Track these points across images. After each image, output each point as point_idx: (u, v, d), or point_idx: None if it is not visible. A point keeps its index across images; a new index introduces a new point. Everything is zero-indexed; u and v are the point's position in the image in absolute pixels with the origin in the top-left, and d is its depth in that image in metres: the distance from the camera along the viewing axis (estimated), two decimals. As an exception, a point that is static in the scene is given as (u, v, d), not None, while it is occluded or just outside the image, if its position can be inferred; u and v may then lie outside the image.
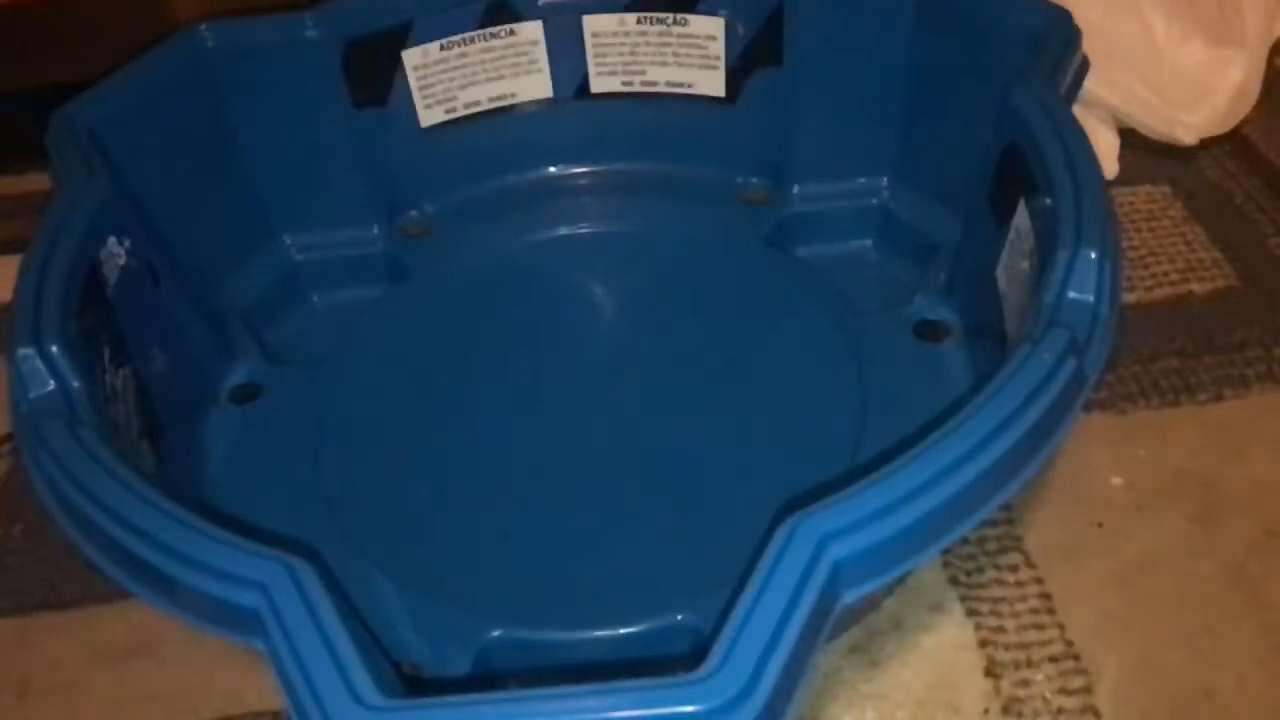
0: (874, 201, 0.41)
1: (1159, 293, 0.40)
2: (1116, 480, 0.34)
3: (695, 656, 0.20)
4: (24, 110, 0.39)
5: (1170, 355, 0.38)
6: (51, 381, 0.27)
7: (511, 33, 0.41)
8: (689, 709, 0.19)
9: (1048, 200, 0.29)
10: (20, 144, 0.44)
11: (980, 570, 0.32)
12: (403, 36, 0.40)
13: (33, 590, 0.33)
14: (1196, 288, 0.40)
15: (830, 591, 0.21)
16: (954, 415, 0.23)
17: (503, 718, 0.19)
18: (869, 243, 0.42)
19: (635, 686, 0.19)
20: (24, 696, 0.31)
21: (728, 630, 0.20)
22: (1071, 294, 0.26)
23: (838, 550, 0.21)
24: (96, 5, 0.46)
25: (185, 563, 0.22)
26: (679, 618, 0.29)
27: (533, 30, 0.41)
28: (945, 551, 0.32)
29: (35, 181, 0.48)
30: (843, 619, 0.23)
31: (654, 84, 0.42)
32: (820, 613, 0.20)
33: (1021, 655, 0.30)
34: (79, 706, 0.31)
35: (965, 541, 0.32)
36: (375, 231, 0.42)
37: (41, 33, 0.47)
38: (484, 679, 0.28)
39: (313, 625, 0.21)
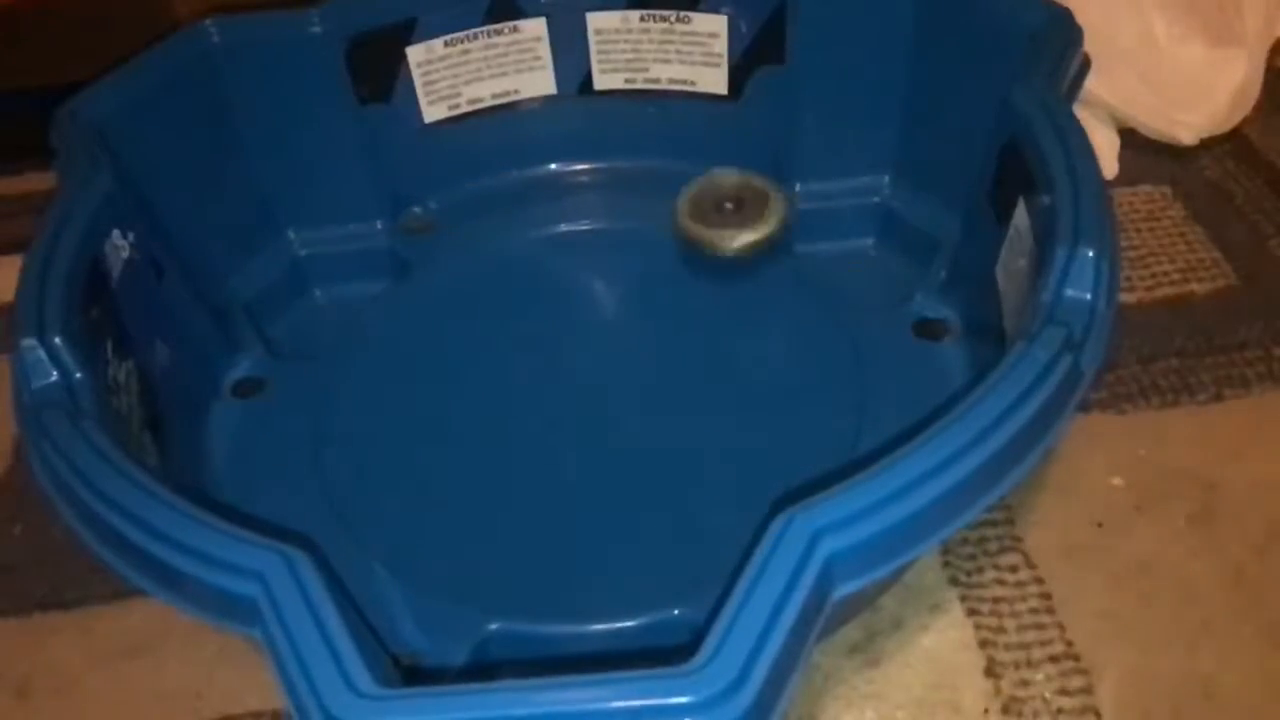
0: (875, 200, 0.41)
1: (1159, 293, 0.40)
2: (1116, 480, 0.34)
3: (690, 650, 0.20)
4: (24, 110, 0.39)
5: (1170, 355, 0.37)
6: (54, 373, 0.27)
7: (515, 29, 0.41)
8: (681, 700, 0.19)
9: (1046, 199, 0.29)
10: (20, 143, 0.44)
11: (980, 570, 0.32)
12: (406, 33, 0.40)
13: (33, 590, 0.33)
14: (1196, 288, 0.40)
15: (823, 585, 0.21)
16: (948, 411, 0.23)
17: (496, 707, 0.19)
18: (870, 241, 0.42)
19: (628, 678, 0.19)
20: (24, 696, 0.31)
21: (720, 623, 0.20)
22: (1069, 291, 0.26)
23: (831, 544, 0.21)
24: (96, 5, 0.46)
25: (183, 552, 0.22)
26: (676, 612, 0.29)
27: (536, 27, 0.41)
28: (941, 548, 0.32)
29: (35, 181, 0.48)
30: (838, 614, 0.23)
31: (657, 81, 0.42)
32: (813, 607, 0.21)
33: (1021, 655, 0.30)
34: (79, 706, 0.31)
35: (965, 541, 0.32)
36: (378, 227, 0.42)
37: (41, 33, 0.47)
38: (481, 670, 0.28)
39: (309, 615, 0.21)
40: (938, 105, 0.39)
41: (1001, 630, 0.30)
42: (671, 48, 0.42)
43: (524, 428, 0.35)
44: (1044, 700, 0.29)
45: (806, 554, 0.21)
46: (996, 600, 0.31)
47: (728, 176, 0.40)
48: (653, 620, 0.29)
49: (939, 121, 0.39)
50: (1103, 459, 0.34)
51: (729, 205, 0.39)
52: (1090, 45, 0.34)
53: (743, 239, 0.38)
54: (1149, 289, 0.40)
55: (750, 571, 0.20)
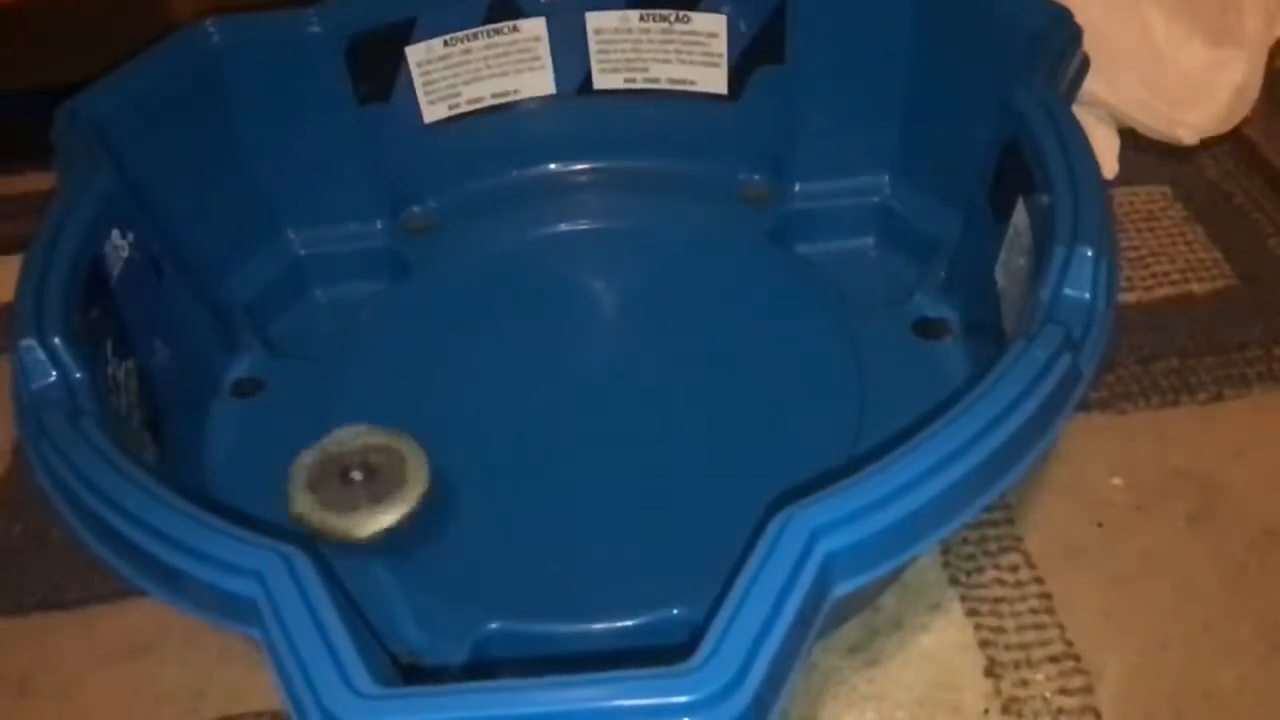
0: (875, 199, 0.42)
1: (1159, 293, 0.40)
2: (1116, 480, 0.34)
3: (689, 649, 0.20)
4: (24, 110, 0.39)
5: (1170, 355, 0.37)
6: (54, 372, 0.27)
7: (515, 29, 0.41)
8: (679, 699, 0.19)
9: (1046, 198, 0.29)
10: (20, 144, 0.44)
11: (980, 570, 0.32)
12: (406, 32, 0.40)
13: (33, 590, 0.33)
14: (1196, 288, 0.40)
15: (822, 584, 0.21)
16: (947, 411, 0.23)
17: (494, 706, 0.19)
18: (870, 240, 0.42)
19: (627, 677, 0.19)
20: (24, 696, 0.31)
21: (718, 622, 0.20)
22: (1067, 291, 0.26)
23: (829, 543, 0.21)
24: (96, 5, 0.46)
25: (182, 551, 0.22)
26: (675, 611, 0.29)
27: (536, 27, 0.41)
28: (941, 547, 0.32)
29: (35, 181, 0.48)
30: (837, 613, 0.23)
31: (656, 81, 0.42)
32: (811, 605, 0.21)
33: (1021, 655, 0.30)
34: (79, 706, 0.31)
35: (965, 541, 0.32)
36: (378, 226, 0.42)
37: (41, 33, 0.47)
38: (481, 669, 0.28)
39: (308, 614, 0.21)
40: (938, 105, 0.39)
41: (1001, 630, 0.30)
42: (671, 47, 0.42)
43: (523, 427, 0.35)
44: (1044, 700, 0.29)
45: (805, 553, 0.21)
46: (996, 600, 0.31)
47: (352, 437, 0.31)
48: (652, 619, 0.29)
49: (939, 121, 0.39)
50: (1103, 459, 0.34)
51: (356, 475, 0.30)
52: (1090, 45, 0.34)
53: (378, 523, 0.29)
54: (1149, 289, 0.40)
55: (749, 570, 0.20)
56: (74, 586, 0.33)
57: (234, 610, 0.22)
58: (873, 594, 0.31)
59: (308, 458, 0.31)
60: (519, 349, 0.38)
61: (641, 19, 0.41)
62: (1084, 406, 0.27)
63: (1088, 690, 0.29)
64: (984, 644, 0.30)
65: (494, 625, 0.29)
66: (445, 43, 0.41)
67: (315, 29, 0.39)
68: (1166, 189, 0.44)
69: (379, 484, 0.30)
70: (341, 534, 0.29)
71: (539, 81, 0.42)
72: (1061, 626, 0.30)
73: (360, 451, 0.31)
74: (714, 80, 0.42)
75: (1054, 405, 0.24)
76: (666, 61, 0.42)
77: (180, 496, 0.24)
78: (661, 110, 0.43)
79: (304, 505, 0.29)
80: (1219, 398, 0.36)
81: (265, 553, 0.22)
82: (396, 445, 0.31)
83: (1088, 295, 0.26)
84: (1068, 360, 0.25)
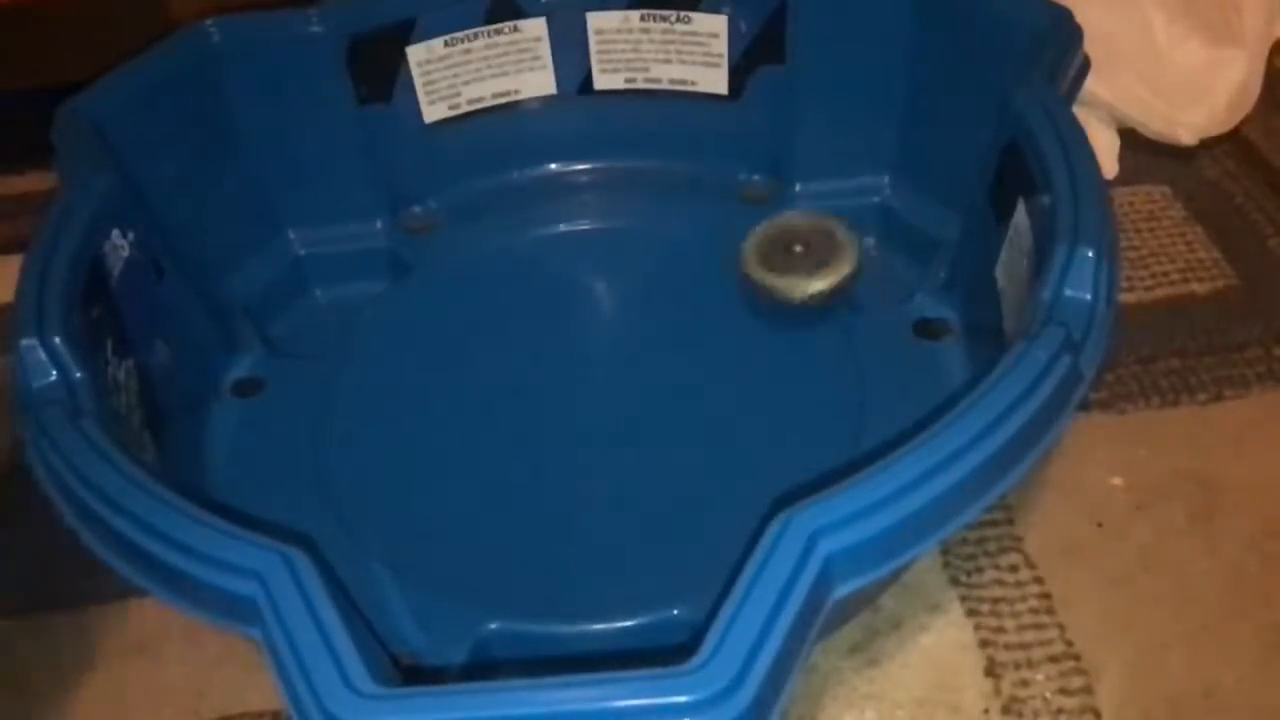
0: (875, 199, 0.42)
1: (1159, 293, 0.40)
2: (1116, 480, 0.34)
3: (689, 649, 0.20)
4: (24, 110, 0.39)
5: (1170, 355, 0.38)
6: (54, 372, 0.27)
7: (515, 29, 0.41)
8: (679, 699, 0.19)
9: (1046, 199, 0.29)
10: (20, 144, 0.44)
11: (980, 570, 0.32)
12: (407, 33, 0.40)
13: (33, 590, 0.33)
14: (1196, 288, 0.40)
15: (822, 585, 0.21)
16: (947, 412, 0.23)
17: (494, 707, 0.19)
18: (870, 240, 0.42)
19: (627, 677, 0.19)
20: (24, 696, 0.31)
21: (719, 623, 0.20)
22: (1068, 292, 0.26)
23: (829, 545, 0.21)
24: (96, 5, 0.46)
25: (182, 551, 0.22)
26: (675, 612, 0.29)
27: (536, 27, 0.41)
28: (941, 548, 0.32)
29: (35, 181, 0.49)
30: (837, 614, 0.23)
31: (657, 81, 0.42)
32: (812, 607, 0.21)
33: (1021, 655, 0.30)
34: (79, 706, 0.31)
35: (965, 541, 0.32)
36: (379, 226, 0.42)
37: (41, 33, 0.47)
38: (481, 670, 0.28)
39: (308, 614, 0.21)
40: (938, 105, 0.39)
41: (1001, 630, 0.30)
42: (672, 48, 0.42)
43: (523, 427, 0.35)
44: (1044, 700, 0.29)
45: (805, 554, 0.21)
46: (996, 600, 0.31)
47: (799, 219, 0.38)
48: (652, 620, 0.29)
49: (939, 121, 0.39)
50: (1103, 459, 0.34)
51: (799, 248, 0.37)
52: (1090, 45, 0.34)
53: (813, 287, 0.36)
54: (1149, 289, 0.40)
55: (749, 571, 0.20)
56: (74, 586, 0.33)
57: (234, 610, 0.22)
58: (873, 595, 0.31)
59: (759, 232, 0.38)
60: (519, 349, 0.38)
61: (642, 19, 0.41)
62: (1084, 406, 0.27)
63: (1088, 690, 0.29)
64: (984, 644, 0.30)
65: (494, 625, 0.29)
66: (446, 43, 0.41)
67: (315, 29, 0.39)
68: (1166, 189, 0.44)
69: (816, 257, 0.37)
70: (779, 292, 0.37)
71: (539, 81, 0.42)
72: (1061, 626, 0.30)
73: (804, 230, 0.38)
74: (714, 80, 0.42)
75: (1054, 406, 0.24)
76: (667, 62, 0.42)
77: (180, 496, 0.24)
78: (662, 110, 0.43)
79: (753, 268, 0.37)
80: (1219, 398, 0.36)
81: (265, 553, 0.22)
82: (834, 231, 0.37)
83: (1088, 296, 0.26)
84: (1068, 361, 0.25)
